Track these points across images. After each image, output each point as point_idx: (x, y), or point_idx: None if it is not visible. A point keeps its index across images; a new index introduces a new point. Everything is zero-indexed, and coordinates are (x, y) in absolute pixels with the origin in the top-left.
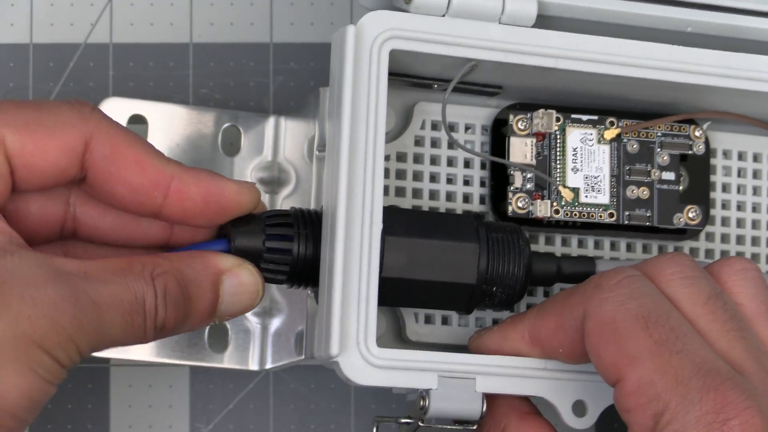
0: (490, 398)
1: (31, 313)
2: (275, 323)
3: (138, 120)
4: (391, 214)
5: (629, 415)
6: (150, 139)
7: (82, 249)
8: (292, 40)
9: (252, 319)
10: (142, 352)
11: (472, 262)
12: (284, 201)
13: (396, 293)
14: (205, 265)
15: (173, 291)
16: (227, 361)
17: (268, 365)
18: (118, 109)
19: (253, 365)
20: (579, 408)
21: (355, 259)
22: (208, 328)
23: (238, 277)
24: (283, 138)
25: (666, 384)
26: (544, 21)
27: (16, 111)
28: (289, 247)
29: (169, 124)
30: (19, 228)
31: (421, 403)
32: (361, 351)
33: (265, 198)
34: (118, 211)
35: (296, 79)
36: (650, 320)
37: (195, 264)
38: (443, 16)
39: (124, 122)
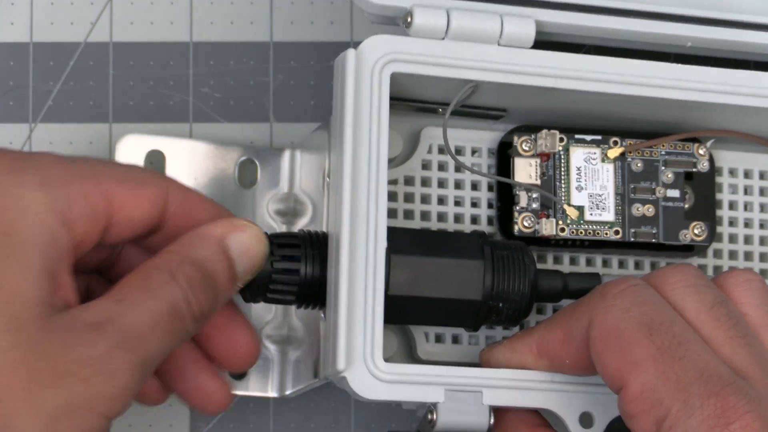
0: (499, 411)
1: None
2: (294, 351)
3: (156, 156)
4: (396, 233)
5: (633, 421)
6: (168, 175)
7: None
8: (292, 39)
9: (271, 347)
10: None
11: (477, 279)
12: None
13: (403, 311)
14: (207, 238)
15: (195, 276)
16: (249, 388)
17: (288, 391)
18: (136, 145)
19: (273, 392)
20: (586, 419)
21: (360, 276)
22: None
23: (239, 233)
24: (299, 170)
25: (668, 390)
26: (543, 41)
27: (113, 165)
28: (296, 267)
29: (186, 160)
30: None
31: (429, 416)
32: (368, 365)
33: (282, 229)
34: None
35: (296, 78)
36: (653, 327)
37: (197, 242)
38: (443, 39)
39: (142, 158)
